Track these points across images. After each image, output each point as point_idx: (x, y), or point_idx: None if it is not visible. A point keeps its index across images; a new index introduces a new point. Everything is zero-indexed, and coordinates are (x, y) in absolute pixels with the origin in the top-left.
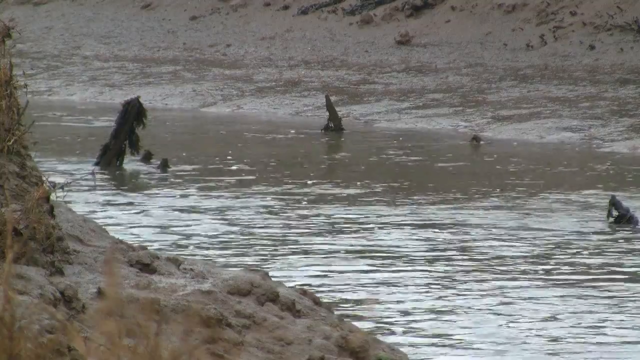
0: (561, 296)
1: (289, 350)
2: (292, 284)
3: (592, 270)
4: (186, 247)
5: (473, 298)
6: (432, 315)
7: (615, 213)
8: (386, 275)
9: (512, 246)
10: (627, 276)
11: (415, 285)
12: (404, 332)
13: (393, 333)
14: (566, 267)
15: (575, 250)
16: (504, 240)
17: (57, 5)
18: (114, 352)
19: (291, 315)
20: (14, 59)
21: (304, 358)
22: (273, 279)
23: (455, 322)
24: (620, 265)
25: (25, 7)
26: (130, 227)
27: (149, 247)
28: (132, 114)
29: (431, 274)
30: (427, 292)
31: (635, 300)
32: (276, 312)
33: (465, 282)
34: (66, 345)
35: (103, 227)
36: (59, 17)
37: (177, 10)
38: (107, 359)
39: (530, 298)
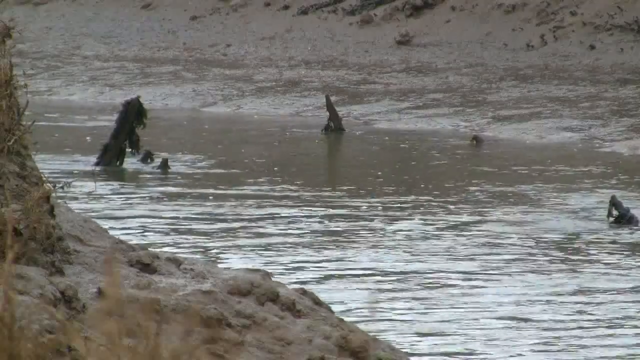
0: (560, 295)
1: (289, 350)
2: (293, 285)
3: (592, 270)
4: (186, 246)
5: (471, 301)
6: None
7: (615, 213)
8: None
9: (511, 245)
10: (627, 276)
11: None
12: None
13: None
14: (566, 267)
15: (575, 250)
16: (503, 240)
17: (57, 5)
18: (114, 352)
19: (291, 315)
20: (14, 59)
21: (304, 358)
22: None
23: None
24: (620, 265)
25: (25, 7)
26: (131, 227)
27: (149, 247)
28: (132, 113)
29: (434, 273)
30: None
31: (635, 300)
32: (276, 312)
33: (473, 282)
34: (66, 345)
35: (103, 227)
36: (59, 17)
37: (177, 10)
38: (107, 359)
39: (528, 297)
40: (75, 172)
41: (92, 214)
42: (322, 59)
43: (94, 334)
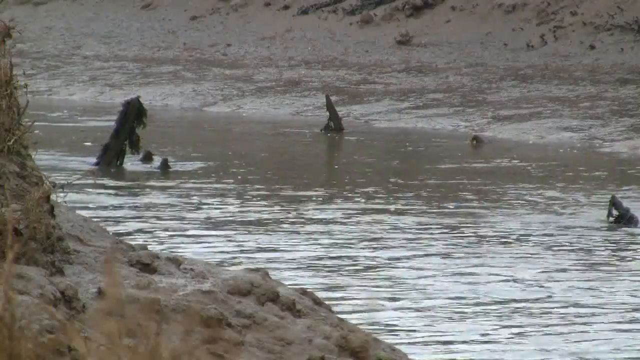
0: (559, 296)
1: (289, 350)
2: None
3: (592, 270)
4: (186, 246)
5: (471, 299)
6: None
7: (615, 213)
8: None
9: (511, 245)
10: (627, 276)
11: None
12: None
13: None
14: (566, 267)
15: (575, 250)
16: (503, 240)
17: (57, 5)
18: (114, 352)
19: (291, 315)
20: (14, 59)
21: (304, 358)
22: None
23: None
24: (620, 265)
25: (25, 7)
26: (131, 227)
27: (149, 247)
28: (133, 113)
29: (436, 272)
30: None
31: (634, 299)
32: (276, 312)
33: (473, 282)
34: (66, 345)
35: (103, 227)
36: (59, 17)
37: (177, 10)
38: (107, 359)
39: (529, 297)
40: (76, 171)
41: (92, 214)
42: (322, 59)
43: (94, 334)
